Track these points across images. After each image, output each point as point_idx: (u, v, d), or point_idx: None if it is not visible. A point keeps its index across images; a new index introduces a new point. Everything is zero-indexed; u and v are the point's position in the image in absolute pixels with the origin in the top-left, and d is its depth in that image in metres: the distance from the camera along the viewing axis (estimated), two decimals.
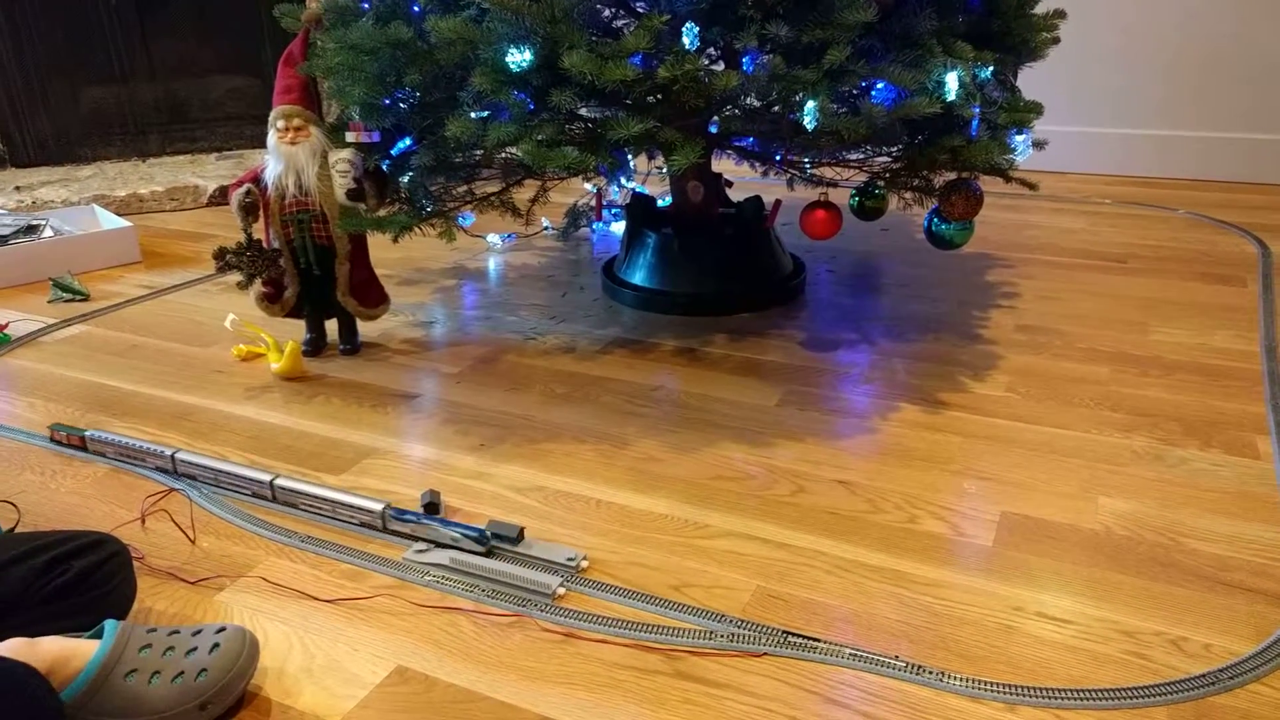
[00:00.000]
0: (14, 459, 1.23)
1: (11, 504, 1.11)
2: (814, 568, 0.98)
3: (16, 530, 1.06)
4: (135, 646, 0.76)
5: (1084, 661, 0.85)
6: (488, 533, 1.00)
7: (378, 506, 1.04)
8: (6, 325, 1.64)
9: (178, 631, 0.80)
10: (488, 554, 0.99)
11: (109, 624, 0.77)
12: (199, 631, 0.80)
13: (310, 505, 1.09)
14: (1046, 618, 0.90)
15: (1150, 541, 1.02)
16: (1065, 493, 1.11)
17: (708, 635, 0.88)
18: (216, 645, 0.78)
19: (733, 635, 0.88)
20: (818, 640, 0.87)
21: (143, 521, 1.08)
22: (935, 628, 0.89)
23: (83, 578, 0.83)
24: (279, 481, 1.10)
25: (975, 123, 1.30)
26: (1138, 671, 0.83)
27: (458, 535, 1.00)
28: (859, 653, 0.86)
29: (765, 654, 0.86)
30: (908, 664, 0.84)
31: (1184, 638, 0.87)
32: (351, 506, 1.06)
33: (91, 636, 0.77)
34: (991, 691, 0.81)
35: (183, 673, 0.76)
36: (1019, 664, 0.84)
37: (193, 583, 0.98)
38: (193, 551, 1.03)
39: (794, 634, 0.88)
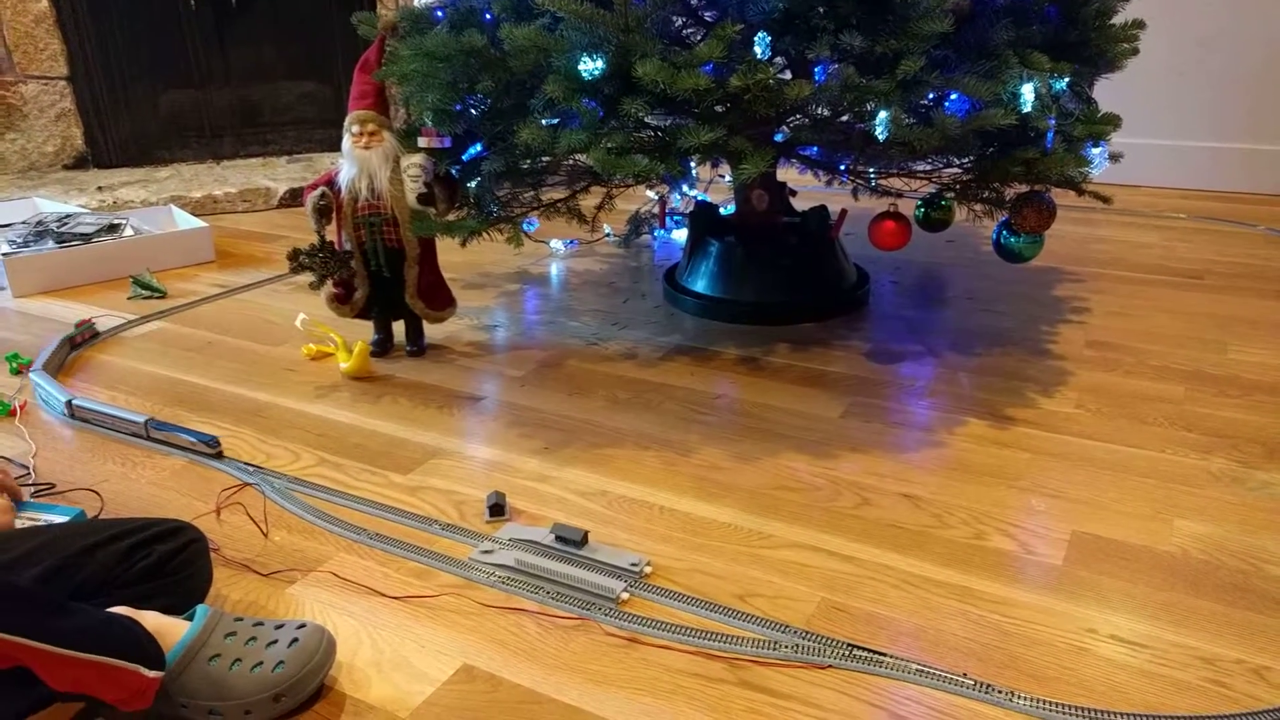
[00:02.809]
0: (97, 449, 1.27)
1: (95, 492, 1.16)
2: (880, 581, 0.97)
3: (99, 518, 1.10)
4: (222, 633, 0.79)
5: (1161, 687, 0.82)
6: (218, 439, 1.23)
7: (141, 419, 1.28)
8: (91, 320, 1.70)
9: (261, 623, 0.82)
10: (217, 456, 1.21)
11: (200, 608, 0.80)
12: (281, 626, 0.82)
13: (103, 422, 1.32)
14: (1120, 640, 0.88)
15: (1230, 567, 0.99)
16: (1139, 513, 1.08)
17: (772, 645, 0.88)
18: (295, 640, 0.80)
19: (797, 646, 0.88)
20: (884, 654, 0.87)
21: (218, 514, 1.12)
22: (1004, 646, 0.88)
23: (163, 562, 0.86)
24: (76, 401, 1.35)
25: (1050, 135, 1.28)
26: (1218, 700, 0.81)
27: (194, 440, 1.23)
28: (926, 669, 0.85)
29: (830, 666, 0.85)
30: (976, 682, 0.83)
31: (1267, 667, 0.85)
32: (123, 419, 1.30)
33: (184, 618, 0.80)
34: (1063, 714, 0.79)
35: (261, 663, 0.78)
36: (1092, 687, 0.83)
37: (265, 575, 1.00)
38: (265, 545, 1.06)
39: (860, 647, 0.87)
